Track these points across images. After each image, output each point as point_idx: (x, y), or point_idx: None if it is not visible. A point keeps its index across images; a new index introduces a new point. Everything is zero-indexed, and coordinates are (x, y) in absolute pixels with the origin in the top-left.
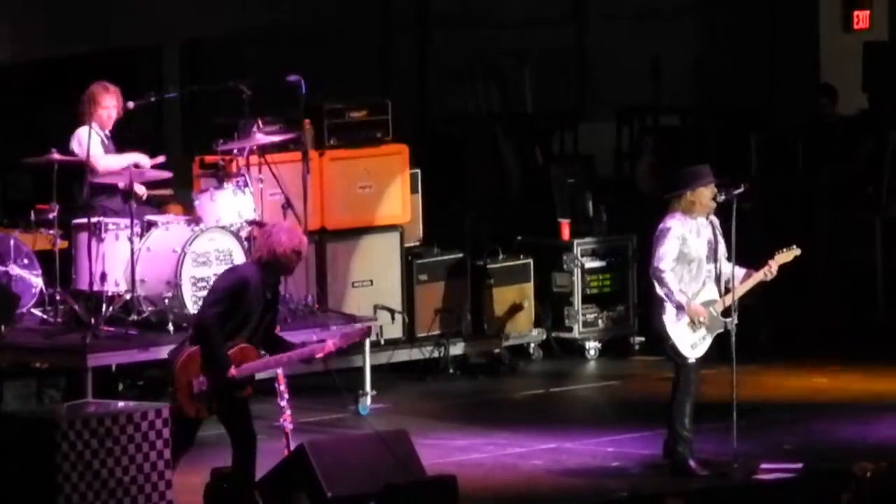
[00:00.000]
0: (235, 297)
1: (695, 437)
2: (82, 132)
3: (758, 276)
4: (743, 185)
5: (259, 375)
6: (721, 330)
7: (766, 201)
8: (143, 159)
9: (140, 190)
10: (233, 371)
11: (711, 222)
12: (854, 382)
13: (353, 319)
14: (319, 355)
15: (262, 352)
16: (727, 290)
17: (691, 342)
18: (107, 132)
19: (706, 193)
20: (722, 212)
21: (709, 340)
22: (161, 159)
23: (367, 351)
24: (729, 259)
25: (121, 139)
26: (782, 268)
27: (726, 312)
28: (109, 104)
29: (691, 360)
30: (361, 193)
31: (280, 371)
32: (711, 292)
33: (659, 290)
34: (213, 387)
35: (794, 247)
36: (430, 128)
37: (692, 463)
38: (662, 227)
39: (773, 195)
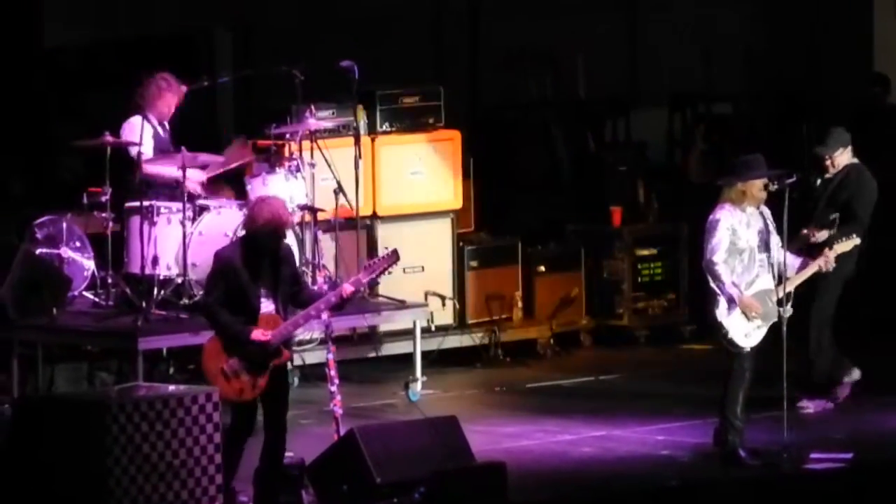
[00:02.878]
0: (224, 279)
1: (746, 427)
2: (135, 122)
3: (814, 266)
4: (795, 174)
5: (309, 359)
6: (776, 319)
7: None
8: (194, 175)
9: (194, 188)
10: (259, 333)
11: (762, 212)
12: None
13: (403, 305)
14: (346, 295)
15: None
16: (781, 280)
17: (745, 332)
18: (164, 124)
19: (757, 185)
20: (774, 201)
21: (764, 330)
22: (206, 174)
23: (417, 337)
24: (782, 248)
25: (177, 132)
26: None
27: (780, 302)
28: (171, 102)
29: (746, 349)
30: (413, 179)
31: (331, 356)
32: (766, 282)
33: (712, 283)
34: (246, 361)
35: (854, 235)
36: (483, 114)
37: (742, 452)
38: (712, 219)
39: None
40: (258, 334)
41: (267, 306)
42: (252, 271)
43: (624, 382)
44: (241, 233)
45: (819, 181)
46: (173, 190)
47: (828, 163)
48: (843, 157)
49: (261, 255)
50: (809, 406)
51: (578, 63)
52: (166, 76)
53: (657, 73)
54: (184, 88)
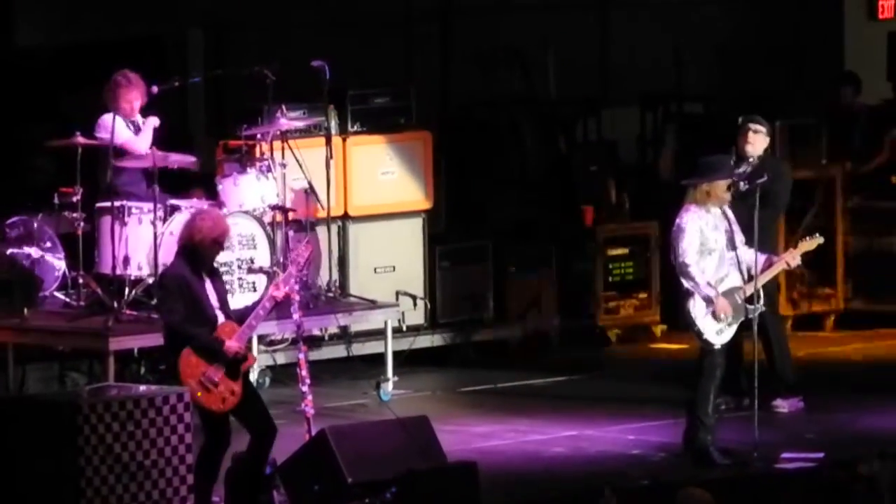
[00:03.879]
0: (181, 296)
1: (716, 426)
2: (107, 119)
3: (780, 265)
4: (766, 174)
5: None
6: (746, 317)
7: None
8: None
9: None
10: (232, 344)
11: (724, 212)
12: (877, 371)
13: (374, 305)
14: (281, 292)
15: None
16: (751, 278)
17: (716, 329)
18: (136, 122)
19: (722, 185)
20: (746, 201)
21: (734, 327)
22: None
23: (389, 337)
24: (750, 247)
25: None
26: (804, 257)
27: (750, 299)
28: (131, 98)
29: (717, 346)
30: (384, 179)
31: (302, 357)
32: (735, 279)
33: (686, 284)
34: (225, 368)
35: (817, 235)
36: (454, 113)
37: (713, 450)
38: (679, 223)
39: (796, 184)
40: (231, 345)
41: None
42: (202, 284)
43: (595, 382)
44: (177, 248)
45: (734, 161)
46: (144, 188)
47: (750, 135)
48: (765, 142)
49: (204, 267)
50: (783, 405)
51: (549, 62)
52: (125, 73)
53: (628, 72)
54: (154, 89)
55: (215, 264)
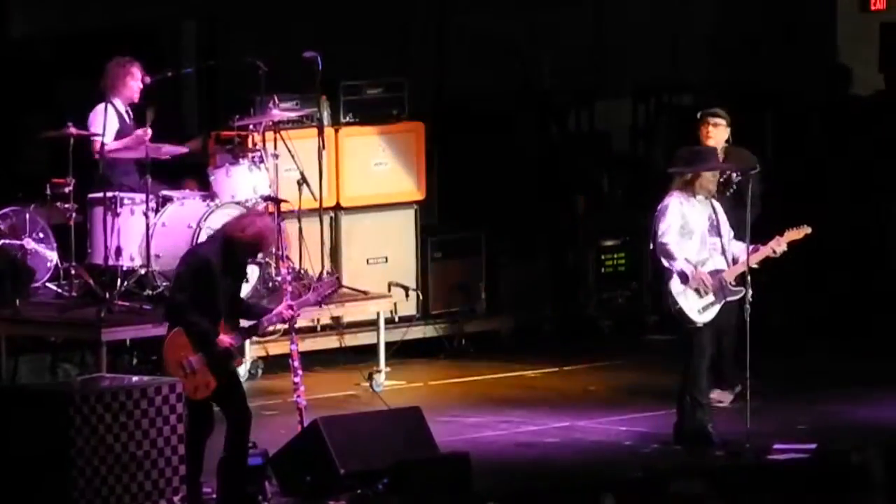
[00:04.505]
0: (198, 279)
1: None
2: (99, 110)
3: (765, 251)
4: (757, 165)
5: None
6: (731, 298)
7: (780, 182)
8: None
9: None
10: (226, 338)
11: (712, 203)
12: (869, 363)
13: (367, 296)
14: (291, 313)
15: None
16: (735, 261)
17: (698, 307)
18: (126, 108)
19: (708, 177)
20: (737, 192)
21: (717, 308)
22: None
23: (381, 328)
24: (742, 240)
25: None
26: (795, 249)
27: (738, 283)
28: (136, 83)
29: (699, 323)
30: (377, 170)
31: (294, 347)
32: (718, 262)
33: (665, 262)
34: (209, 360)
35: (805, 226)
36: (447, 105)
37: (711, 430)
38: (661, 206)
39: (788, 176)
40: (225, 339)
41: None
42: (224, 278)
43: (587, 373)
44: (219, 233)
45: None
46: (136, 178)
47: (710, 128)
48: (725, 133)
49: (232, 264)
50: (724, 399)
51: (542, 53)
52: (129, 58)
53: (621, 63)
54: (147, 79)
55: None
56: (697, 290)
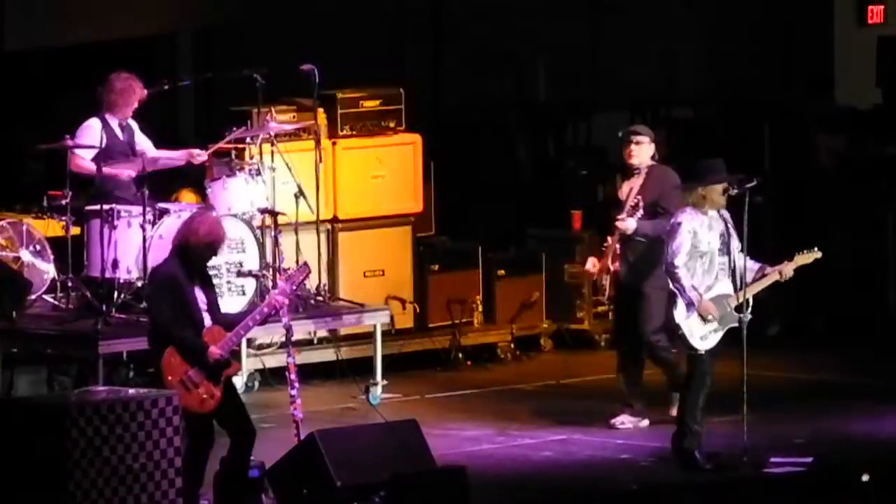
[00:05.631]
0: (170, 294)
1: (705, 431)
2: (89, 125)
3: (772, 277)
4: (755, 178)
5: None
6: (734, 324)
7: (779, 195)
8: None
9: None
10: (216, 350)
11: (723, 216)
12: (865, 376)
13: (363, 308)
14: (278, 307)
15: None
16: (741, 286)
17: (701, 334)
18: (127, 124)
19: (718, 189)
20: (735, 205)
21: (720, 334)
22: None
23: (378, 341)
24: (742, 253)
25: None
26: (798, 268)
27: (740, 307)
28: (137, 98)
29: (701, 351)
30: (374, 183)
31: (291, 360)
32: (725, 286)
33: (672, 285)
34: (205, 373)
35: (816, 249)
36: (444, 117)
37: (698, 455)
38: (673, 223)
39: (786, 189)
40: (214, 352)
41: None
42: (191, 287)
43: (584, 386)
44: (172, 247)
45: (619, 177)
46: (130, 193)
47: (633, 147)
48: (649, 151)
49: (195, 270)
50: (627, 422)
51: (539, 66)
52: (131, 74)
53: (618, 76)
54: (145, 91)
55: (206, 268)
56: (702, 317)
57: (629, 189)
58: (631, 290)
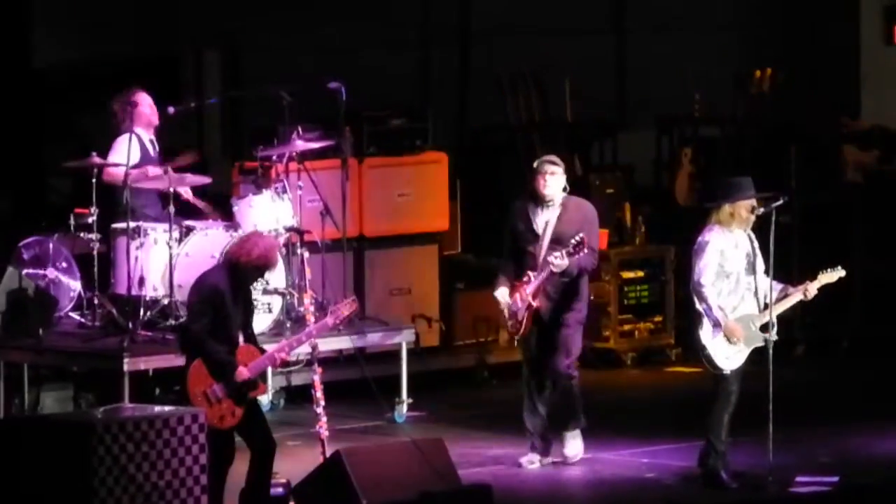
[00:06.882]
0: (212, 306)
1: (730, 449)
2: (122, 140)
3: (796, 296)
4: (782, 197)
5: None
6: (759, 344)
7: (804, 214)
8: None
9: (185, 192)
10: (244, 371)
11: (749, 236)
12: (891, 395)
13: (389, 326)
14: (314, 336)
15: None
16: (766, 306)
17: (726, 354)
18: (154, 141)
19: (745, 206)
20: (760, 224)
21: (745, 353)
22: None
23: (404, 359)
24: (767, 272)
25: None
26: (822, 287)
27: (765, 327)
28: (154, 112)
29: (726, 371)
30: (400, 201)
31: (316, 378)
32: (750, 306)
33: (698, 305)
34: (229, 391)
35: (839, 268)
36: (470, 136)
37: (723, 474)
38: (701, 241)
39: (812, 208)
40: (243, 372)
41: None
42: (234, 304)
43: (610, 405)
44: (223, 259)
45: (534, 205)
46: (159, 208)
47: (546, 177)
48: (561, 182)
49: (241, 288)
50: (535, 461)
51: (566, 85)
52: (129, 90)
53: (644, 95)
54: (170, 110)
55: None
56: (727, 337)
57: (545, 222)
58: (551, 324)
